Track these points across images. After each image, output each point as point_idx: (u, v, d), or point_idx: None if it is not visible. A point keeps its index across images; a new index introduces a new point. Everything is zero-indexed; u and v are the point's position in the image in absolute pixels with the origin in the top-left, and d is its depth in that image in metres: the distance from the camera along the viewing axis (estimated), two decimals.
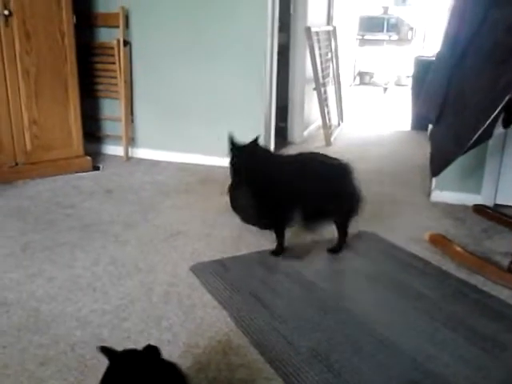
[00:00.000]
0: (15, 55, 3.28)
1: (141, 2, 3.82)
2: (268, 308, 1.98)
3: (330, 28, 5.27)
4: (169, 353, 1.64)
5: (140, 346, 1.27)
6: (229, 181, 2.48)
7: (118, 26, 3.83)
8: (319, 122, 5.06)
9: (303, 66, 4.65)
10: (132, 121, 4.06)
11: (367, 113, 6.50)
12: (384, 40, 8.67)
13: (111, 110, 4.12)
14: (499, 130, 2.35)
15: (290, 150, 4.46)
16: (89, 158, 3.73)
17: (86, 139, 3.75)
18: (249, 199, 2.35)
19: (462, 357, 1.71)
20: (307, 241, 2.61)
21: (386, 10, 8.66)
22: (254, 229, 2.68)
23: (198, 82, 3.81)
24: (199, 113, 3.87)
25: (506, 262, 2.33)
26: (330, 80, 5.31)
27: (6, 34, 3.21)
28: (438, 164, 2.69)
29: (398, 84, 8.65)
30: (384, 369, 1.65)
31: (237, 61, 3.68)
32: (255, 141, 2.46)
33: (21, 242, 2.54)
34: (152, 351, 1.23)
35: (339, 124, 5.49)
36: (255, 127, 3.74)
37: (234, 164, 2.44)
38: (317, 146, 4.62)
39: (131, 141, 4.07)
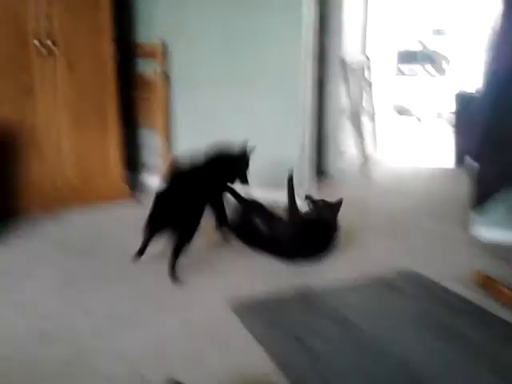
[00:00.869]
0: (58, 85, 3.36)
1: (180, 34, 3.89)
2: (310, 349, 1.93)
3: (364, 59, 5.27)
4: None
5: None
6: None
7: (157, 58, 3.91)
8: (354, 154, 5.02)
9: (337, 97, 4.63)
10: (169, 151, 4.11)
11: (403, 145, 6.42)
12: (420, 72, 8.63)
13: (150, 140, 4.18)
14: None
15: (325, 182, 4.44)
16: (127, 187, 3.77)
17: (125, 168, 3.80)
18: None
19: None
20: (347, 280, 2.56)
21: (422, 42, 8.66)
22: (295, 267, 2.65)
23: (234, 112, 3.84)
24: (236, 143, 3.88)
25: None
26: (365, 112, 5.28)
27: (49, 64, 3.30)
28: (480, 199, 2.64)
29: (434, 117, 8.57)
30: None
31: (273, 92, 3.69)
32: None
33: (61, 273, 2.56)
34: None
35: (375, 156, 5.44)
36: (290, 158, 3.74)
37: None
38: (351, 179, 4.58)
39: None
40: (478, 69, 4.30)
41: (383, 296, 2.40)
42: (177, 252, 2.46)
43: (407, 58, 8.61)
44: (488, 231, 3.12)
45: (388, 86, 8.45)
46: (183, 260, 2.56)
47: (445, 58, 8.55)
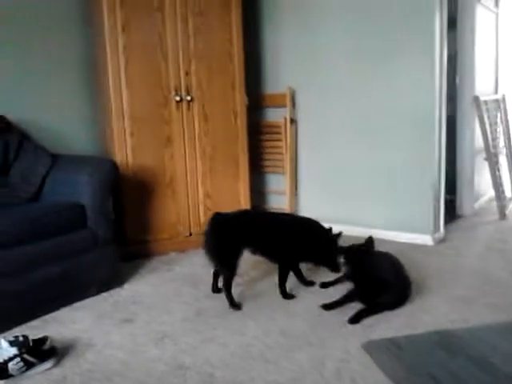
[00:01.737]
0: (195, 136, 3.61)
1: (306, 82, 4.01)
2: None
3: (498, 96, 5.01)
4: None
5: None
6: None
7: (285, 106, 4.06)
8: (491, 194, 4.72)
9: (472, 136, 4.43)
10: (296, 194, 4.17)
11: None
12: None
13: (277, 184, 4.29)
14: None
15: (460, 223, 4.20)
16: None
17: None
18: None
19: None
20: (491, 324, 2.36)
21: None
22: (429, 306, 2.53)
23: (363, 158, 3.81)
24: (365, 188, 3.83)
25: None
26: (502, 150, 4.97)
27: (187, 117, 3.56)
28: None
29: None
30: None
31: (403, 134, 3.62)
32: None
33: (195, 308, 2.67)
34: None
35: None
36: (423, 200, 3.60)
37: None
38: (489, 220, 4.29)
39: (295, 213, 4.16)
40: None
41: None
42: (225, 285, 2.69)
43: None
44: None
45: None
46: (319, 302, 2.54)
47: None
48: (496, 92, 5.10)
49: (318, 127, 4.02)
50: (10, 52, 3.27)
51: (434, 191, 3.61)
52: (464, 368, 1.96)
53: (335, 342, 2.23)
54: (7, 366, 2.02)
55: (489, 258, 3.32)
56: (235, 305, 2.66)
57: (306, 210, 4.11)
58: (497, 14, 4.97)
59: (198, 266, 3.33)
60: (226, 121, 3.70)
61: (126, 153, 3.38)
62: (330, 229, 2.82)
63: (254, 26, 4.16)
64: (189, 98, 3.53)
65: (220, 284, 2.82)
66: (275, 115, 4.19)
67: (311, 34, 3.93)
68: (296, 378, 1.95)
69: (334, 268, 2.78)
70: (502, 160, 4.88)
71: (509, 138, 5.12)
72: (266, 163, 4.32)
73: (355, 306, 2.53)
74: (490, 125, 4.50)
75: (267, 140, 4.26)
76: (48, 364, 2.09)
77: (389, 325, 2.38)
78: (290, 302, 2.70)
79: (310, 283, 2.93)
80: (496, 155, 4.52)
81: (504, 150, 5.04)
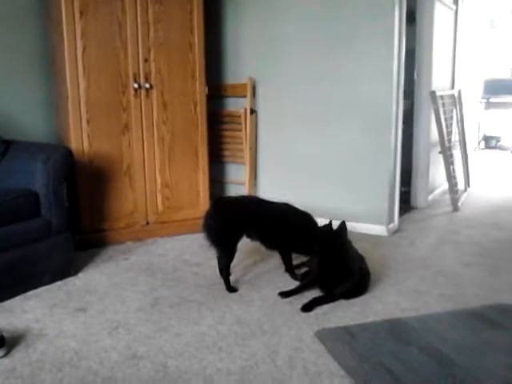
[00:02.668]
0: (153, 123, 3.56)
1: (267, 72, 4.02)
2: (399, 381, 1.83)
3: (454, 92, 5.14)
4: None
5: None
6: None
7: (245, 96, 4.05)
8: (444, 186, 4.86)
9: (427, 129, 4.54)
10: (255, 184, 4.18)
11: (495, 178, 6.12)
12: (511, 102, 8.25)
13: (236, 173, 4.29)
14: None
15: (414, 215, 4.31)
16: None
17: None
18: None
19: None
20: (440, 313, 2.44)
21: None
22: (382, 296, 2.59)
23: (321, 148, 3.86)
24: (323, 177, 3.89)
25: None
26: (456, 144, 5.11)
27: (146, 105, 3.51)
28: None
29: None
30: None
31: (361, 127, 3.68)
32: None
33: (150, 297, 2.65)
34: None
35: (466, 189, 5.22)
36: (379, 191, 3.68)
37: None
38: (443, 212, 4.41)
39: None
40: None
41: (477, 329, 2.24)
42: (223, 269, 2.77)
43: (498, 89, 8.27)
44: None
45: (477, 118, 8.16)
46: (276, 290, 2.58)
47: None
48: (452, 87, 5.23)
49: (278, 117, 4.03)
50: None
51: (390, 183, 3.69)
52: (413, 356, 2.02)
53: (289, 330, 2.27)
54: None
55: (442, 249, 3.42)
56: (232, 288, 2.73)
57: None
58: (455, 11, 5.09)
59: (155, 255, 3.32)
60: (185, 109, 3.67)
61: (82, 140, 3.31)
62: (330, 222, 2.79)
63: (216, 16, 4.13)
64: (147, 85, 3.48)
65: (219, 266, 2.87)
66: (235, 105, 4.18)
67: (273, 24, 3.93)
68: (249, 366, 1.97)
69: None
70: (456, 154, 5.03)
71: (463, 133, 5.27)
72: (226, 153, 4.31)
73: (311, 295, 2.57)
74: (446, 119, 4.62)
75: (227, 130, 4.26)
76: None
77: (342, 313, 2.43)
78: (246, 291, 2.72)
79: (296, 278, 2.89)
80: (450, 149, 4.64)
81: (458, 145, 5.19)
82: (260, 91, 4.08)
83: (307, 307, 2.47)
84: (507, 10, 8.47)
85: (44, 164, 2.76)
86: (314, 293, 2.61)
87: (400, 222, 3.93)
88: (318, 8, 3.72)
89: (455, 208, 4.44)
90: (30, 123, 3.53)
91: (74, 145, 3.27)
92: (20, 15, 3.43)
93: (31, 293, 2.69)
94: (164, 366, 1.99)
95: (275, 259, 3.04)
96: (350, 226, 3.69)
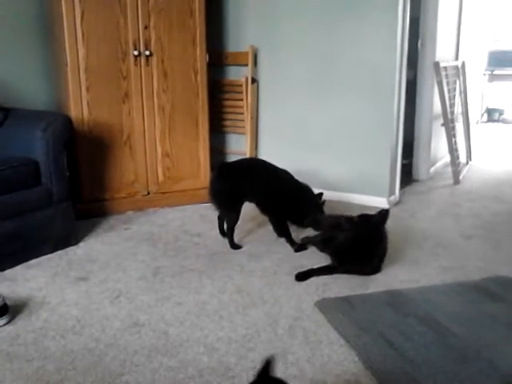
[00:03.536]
0: (153, 92, 3.51)
1: (269, 40, 3.95)
2: (399, 351, 1.86)
3: (458, 63, 5.07)
4: None
5: None
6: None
7: (246, 64, 3.99)
8: (446, 159, 4.84)
9: (430, 101, 4.49)
10: (256, 155, 4.16)
11: (497, 151, 6.09)
12: None
13: (237, 144, 4.26)
14: None
15: (415, 187, 4.30)
16: None
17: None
18: None
19: None
20: (439, 285, 2.46)
21: None
22: (382, 267, 2.60)
23: (323, 117, 3.82)
24: (324, 148, 3.86)
25: None
26: (458, 116, 5.07)
27: (146, 73, 3.46)
28: None
29: None
30: None
31: (363, 97, 3.64)
32: None
33: (152, 267, 2.66)
34: None
35: (468, 162, 5.20)
36: (380, 163, 3.66)
37: None
38: (444, 185, 4.41)
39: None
40: None
41: (477, 301, 2.26)
42: (229, 228, 2.93)
43: (503, 60, 8.16)
44: None
45: (481, 90, 8.07)
46: (277, 261, 2.59)
47: None
48: (456, 59, 5.16)
49: (280, 87, 3.98)
50: None
51: (391, 154, 3.67)
52: (412, 326, 2.04)
53: (289, 300, 2.28)
54: None
55: (442, 222, 3.43)
56: (236, 246, 2.91)
57: None
58: None
59: (156, 225, 3.32)
60: (185, 78, 3.61)
61: (81, 108, 3.28)
62: (321, 194, 2.96)
63: None
64: (147, 52, 3.42)
65: (225, 227, 3.02)
66: (236, 74, 4.13)
67: None
68: (249, 335, 1.99)
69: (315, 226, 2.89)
70: (459, 126, 5.00)
71: (466, 105, 5.22)
72: (227, 122, 4.27)
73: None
74: (449, 91, 4.57)
75: (228, 99, 4.21)
76: (0, 322, 2.06)
77: (342, 284, 2.44)
78: (247, 261, 2.73)
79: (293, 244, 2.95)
80: (453, 121, 4.61)
81: (460, 117, 5.15)
82: (261, 60, 4.02)
83: (301, 276, 2.49)
84: None
85: (43, 132, 2.73)
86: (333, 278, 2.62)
87: (401, 194, 3.93)
88: None
89: (456, 181, 4.43)
90: (29, 91, 3.48)
91: (73, 113, 3.24)
92: None
93: (33, 262, 2.70)
94: (165, 334, 2.01)
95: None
96: (350, 197, 3.75)
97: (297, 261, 2.72)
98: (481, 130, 7.46)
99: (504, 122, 8.38)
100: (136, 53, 3.38)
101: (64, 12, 3.12)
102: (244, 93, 4.03)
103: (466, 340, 1.94)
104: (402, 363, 1.79)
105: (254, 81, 4.03)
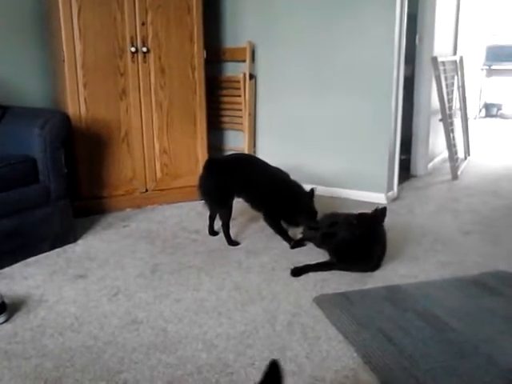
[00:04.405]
0: (150, 89, 3.51)
1: (267, 37, 3.94)
2: (397, 346, 1.86)
3: (456, 58, 5.06)
4: None
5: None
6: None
7: (244, 60, 3.98)
8: (444, 154, 4.84)
9: (428, 97, 4.48)
10: (254, 152, 4.15)
11: (495, 146, 6.10)
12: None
13: (235, 141, 4.26)
14: None
15: (413, 182, 4.30)
16: None
17: None
18: None
19: None
20: (438, 280, 2.46)
21: None
22: (382, 263, 2.60)
23: (321, 113, 3.82)
24: (322, 144, 3.86)
25: None
26: (456, 112, 5.07)
27: (143, 69, 3.45)
28: None
29: None
30: None
31: (361, 93, 3.63)
32: None
33: (150, 264, 2.66)
34: None
35: (466, 157, 5.20)
36: (378, 159, 3.66)
37: None
38: (442, 180, 4.41)
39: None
40: None
41: (475, 296, 2.26)
42: (224, 225, 2.91)
43: (501, 55, 8.15)
44: None
45: (479, 86, 8.06)
46: (274, 257, 2.59)
47: None
48: (454, 53, 5.15)
49: (278, 83, 3.98)
50: None
51: (389, 150, 3.66)
52: (411, 322, 2.04)
53: (288, 296, 2.28)
54: None
55: (441, 217, 3.43)
56: (233, 242, 2.90)
57: None
58: None
59: (155, 222, 3.32)
60: (183, 74, 3.60)
61: (78, 105, 3.27)
62: (312, 191, 2.94)
63: None
64: (145, 49, 3.41)
65: (216, 227, 3.05)
66: (234, 70, 4.11)
67: None
68: (248, 331, 1.99)
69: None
70: (457, 122, 4.99)
71: (464, 100, 5.22)
72: (224, 119, 4.26)
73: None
74: (447, 86, 4.56)
75: (225, 95, 4.20)
76: None
77: (340, 280, 2.44)
78: (244, 257, 2.73)
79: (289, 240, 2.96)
80: (451, 116, 4.60)
81: (459, 112, 5.15)
82: (259, 56, 4.01)
83: (297, 272, 2.49)
84: None
85: (41, 129, 2.72)
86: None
87: (399, 190, 3.93)
88: None
89: (455, 176, 4.43)
90: (26, 88, 3.47)
91: (70, 110, 3.23)
92: None
93: (31, 259, 2.70)
94: (164, 331, 2.00)
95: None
96: (348, 193, 3.75)
97: (294, 257, 2.72)
98: (479, 125, 7.47)
99: (502, 117, 8.38)
100: (133, 49, 3.37)
101: (61, 8, 3.11)
102: (242, 89, 4.02)
103: (465, 335, 1.94)
104: (400, 358, 1.79)
105: (251, 77, 4.02)
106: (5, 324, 2.06)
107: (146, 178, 3.61)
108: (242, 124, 4.13)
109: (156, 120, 3.56)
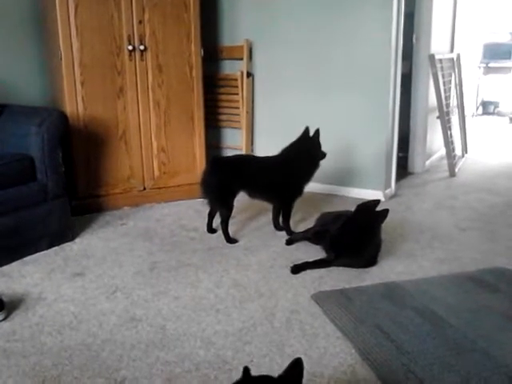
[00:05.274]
0: (148, 87, 3.50)
1: (264, 35, 3.94)
2: (395, 343, 1.86)
3: (453, 56, 5.07)
4: None
5: (262, 370, 1.24)
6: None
7: (242, 59, 3.98)
8: (442, 152, 4.85)
9: (426, 94, 4.49)
10: (252, 150, 4.16)
11: (492, 144, 6.11)
12: (511, 68, 8.15)
13: (233, 139, 4.26)
14: None
15: (411, 180, 4.31)
16: None
17: None
18: None
19: None
20: (435, 276, 2.47)
21: None
22: (378, 260, 2.61)
23: (318, 111, 3.81)
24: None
25: None
26: (454, 109, 5.07)
27: (140, 67, 3.45)
28: None
29: None
30: None
31: (359, 90, 3.63)
32: None
33: (148, 262, 2.66)
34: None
35: (463, 155, 5.21)
36: (376, 156, 3.66)
37: None
38: (440, 177, 4.42)
39: None
40: None
41: (473, 292, 2.27)
42: (223, 223, 2.91)
43: (498, 53, 8.16)
44: None
45: (476, 83, 8.06)
46: (273, 254, 2.60)
47: None
48: (451, 51, 5.16)
49: (275, 81, 3.98)
50: None
51: (387, 148, 3.67)
52: (409, 318, 2.04)
53: (286, 293, 2.29)
54: None
55: (438, 214, 3.44)
56: (232, 240, 2.90)
57: None
58: None
59: (152, 220, 3.32)
60: (180, 72, 3.60)
61: (76, 103, 3.27)
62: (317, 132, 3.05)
63: None
64: (142, 47, 3.41)
65: (214, 225, 3.05)
66: (232, 68, 4.11)
67: None
68: (246, 328, 1.99)
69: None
70: (454, 119, 5.00)
71: (461, 98, 5.22)
72: (222, 117, 4.26)
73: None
74: (444, 83, 4.57)
75: (223, 93, 4.19)
76: None
77: (338, 277, 2.45)
78: (243, 255, 2.73)
79: (281, 229, 3.04)
80: (448, 114, 4.61)
81: (456, 110, 5.15)
82: (257, 54, 4.01)
83: (296, 269, 2.50)
84: None
85: (38, 128, 2.72)
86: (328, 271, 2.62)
87: (397, 187, 3.93)
88: None
89: (452, 173, 4.44)
90: (24, 86, 3.47)
91: (68, 108, 3.23)
92: None
93: (29, 258, 2.70)
94: (162, 329, 2.01)
95: (268, 218, 3.11)
96: (346, 190, 3.76)
97: (293, 254, 2.73)
98: (476, 123, 7.48)
99: (499, 114, 8.39)
100: (130, 47, 3.37)
101: (58, 6, 3.10)
102: (239, 87, 4.02)
103: (462, 331, 1.95)
104: (398, 354, 1.79)
105: (249, 75, 4.02)
106: (3, 322, 2.06)
107: (143, 176, 3.60)
108: (239, 122, 4.13)
109: (154, 118, 3.56)
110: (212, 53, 4.04)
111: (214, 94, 4.18)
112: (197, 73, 3.66)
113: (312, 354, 1.82)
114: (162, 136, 3.62)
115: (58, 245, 2.86)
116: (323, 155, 3.02)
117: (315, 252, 2.71)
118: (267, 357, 1.80)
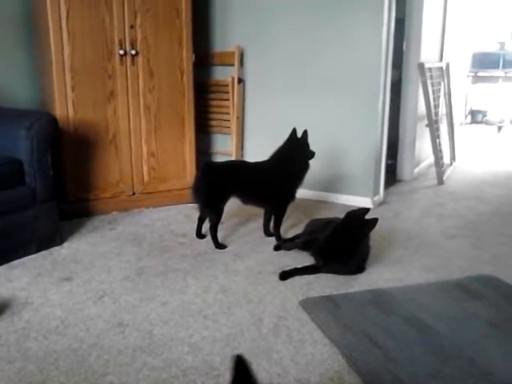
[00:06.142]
0: (139, 91, 3.50)
1: (255, 40, 3.96)
2: (382, 349, 1.87)
3: (442, 64, 5.12)
4: None
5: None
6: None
7: (233, 64, 4.00)
8: (430, 160, 4.89)
9: (415, 102, 4.53)
10: (242, 155, 4.17)
11: (481, 152, 6.17)
12: (499, 77, 8.25)
13: (223, 144, 4.26)
14: None
15: (399, 187, 4.34)
16: None
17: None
18: None
19: None
20: (422, 284, 2.49)
21: (502, 45, 8.28)
22: (366, 267, 2.62)
23: (308, 117, 3.82)
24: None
25: None
26: (443, 118, 5.12)
27: (131, 72, 3.45)
28: None
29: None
30: None
31: (348, 97, 3.66)
32: None
33: (136, 267, 2.65)
34: None
35: (452, 163, 5.26)
36: (364, 164, 3.69)
37: None
38: (428, 185, 4.45)
39: None
40: None
41: (459, 299, 2.29)
42: (212, 228, 2.92)
43: (486, 62, 8.26)
44: None
45: (464, 92, 8.15)
46: (261, 260, 2.60)
47: None
48: (441, 60, 5.21)
49: (266, 87, 3.99)
50: None
51: (376, 155, 3.70)
52: (396, 325, 2.05)
53: (274, 299, 2.29)
54: None
55: (426, 222, 3.46)
56: (221, 246, 2.91)
57: None
58: None
59: (141, 225, 3.31)
60: (171, 77, 3.61)
61: (66, 107, 3.26)
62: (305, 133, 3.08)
63: None
64: (133, 52, 3.41)
65: (203, 230, 3.05)
66: (223, 74, 4.13)
67: None
68: (234, 334, 1.99)
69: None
70: (443, 127, 5.05)
71: (450, 107, 5.28)
72: (213, 123, 4.27)
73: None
74: (433, 92, 4.61)
75: (214, 99, 4.21)
76: None
77: (326, 283, 2.46)
78: (231, 261, 2.73)
79: (271, 235, 3.06)
80: (437, 122, 4.65)
81: (445, 118, 5.20)
82: (248, 60, 4.03)
83: (285, 276, 2.50)
84: None
85: (28, 131, 2.71)
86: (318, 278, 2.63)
87: (385, 195, 3.96)
88: None
89: (440, 181, 4.48)
90: (14, 90, 3.45)
91: (58, 112, 3.22)
92: None
93: (16, 262, 2.68)
94: (150, 334, 2.00)
95: (258, 224, 3.11)
96: (335, 197, 3.77)
97: (281, 260, 2.73)
98: (464, 132, 7.55)
99: (487, 123, 8.47)
100: (122, 52, 3.37)
101: (49, 10, 3.10)
102: (230, 93, 4.04)
103: (448, 338, 1.96)
104: (385, 361, 1.80)
105: (240, 81, 4.04)
106: None
107: (133, 180, 3.60)
108: (229, 127, 4.14)
109: (144, 123, 3.56)
110: (203, 58, 4.05)
111: (205, 100, 4.19)
112: (188, 78, 3.67)
113: (299, 360, 1.82)
114: (152, 141, 3.61)
115: (46, 249, 2.84)
116: (312, 154, 3.03)
117: (304, 258, 2.71)
118: (254, 363, 1.80)
